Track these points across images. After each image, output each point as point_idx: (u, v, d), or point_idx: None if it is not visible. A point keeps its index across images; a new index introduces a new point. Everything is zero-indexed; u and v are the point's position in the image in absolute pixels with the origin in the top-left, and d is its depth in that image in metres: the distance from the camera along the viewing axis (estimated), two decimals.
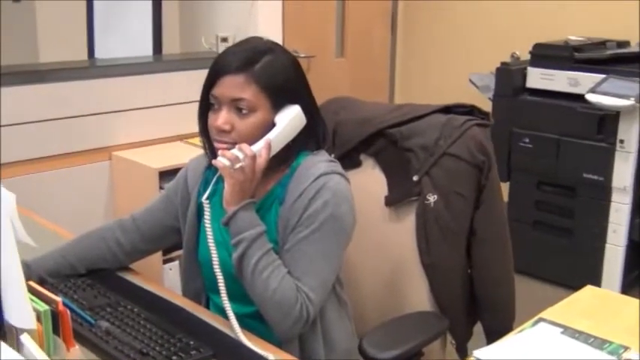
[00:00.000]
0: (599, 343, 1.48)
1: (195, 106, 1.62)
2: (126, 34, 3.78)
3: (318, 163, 1.58)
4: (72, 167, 3.08)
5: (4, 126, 2.81)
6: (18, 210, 1.75)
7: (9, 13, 3.68)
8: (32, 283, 1.26)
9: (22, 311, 1.11)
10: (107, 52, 3.60)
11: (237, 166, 1.49)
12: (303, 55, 4.09)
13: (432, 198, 1.76)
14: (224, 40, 3.52)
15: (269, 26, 3.67)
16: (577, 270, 3.48)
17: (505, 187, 3.68)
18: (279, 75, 1.55)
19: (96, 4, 3.61)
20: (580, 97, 3.40)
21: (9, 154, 2.83)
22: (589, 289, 1.80)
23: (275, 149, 1.55)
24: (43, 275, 1.66)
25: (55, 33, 3.68)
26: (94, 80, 3.13)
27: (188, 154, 1.82)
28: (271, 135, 1.54)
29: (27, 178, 2.91)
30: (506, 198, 3.67)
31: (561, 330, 1.53)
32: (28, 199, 2.39)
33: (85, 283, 1.66)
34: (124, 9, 3.78)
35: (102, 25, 3.65)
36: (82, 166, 3.12)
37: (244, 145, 1.51)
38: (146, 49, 3.74)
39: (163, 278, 2.95)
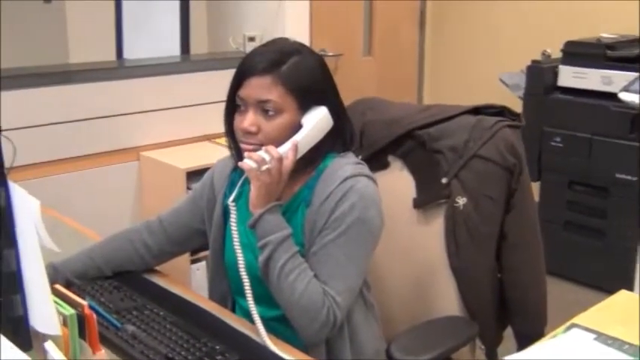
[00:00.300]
0: (634, 351, 1.44)
1: (223, 106, 1.61)
2: (154, 34, 3.79)
3: (345, 166, 1.56)
4: (100, 167, 3.09)
5: (32, 127, 2.83)
6: (46, 211, 1.76)
7: (40, 14, 3.72)
8: (59, 287, 1.26)
9: (47, 317, 1.11)
10: (135, 53, 3.61)
11: (264, 168, 1.47)
12: (330, 54, 4.07)
13: (461, 201, 1.73)
14: (251, 39, 3.52)
15: (296, 25, 3.65)
16: (609, 272, 3.42)
17: (535, 187, 3.63)
18: (305, 76, 1.53)
19: (124, 5, 3.62)
20: (612, 96, 3.33)
21: (38, 154, 2.85)
22: (623, 294, 1.76)
23: (302, 151, 1.54)
24: (70, 277, 1.66)
25: (85, 34, 3.70)
26: (122, 81, 3.13)
27: (215, 154, 1.81)
28: (298, 137, 1.52)
29: (55, 179, 2.93)
30: (536, 198, 3.58)
31: (594, 336, 1.50)
32: (55, 200, 2.41)
33: (112, 285, 1.66)
34: (152, 9, 3.79)
35: (130, 25, 3.66)
36: (110, 167, 3.13)
37: (271, 147, 1.49)
38: (174, 49, 3.75)
39: (190, 279, 2.95)
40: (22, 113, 2.78)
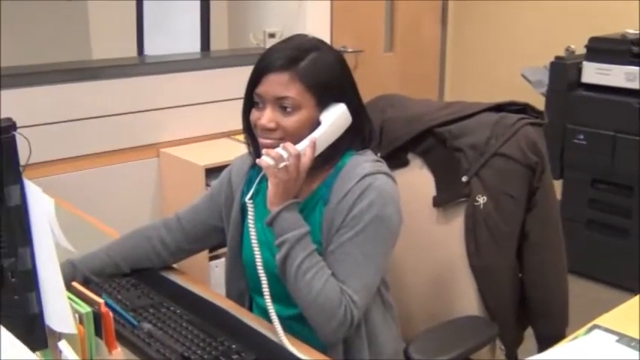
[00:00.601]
0: None
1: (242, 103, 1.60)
2: (175, 31, 3.79)
3: (364, 163, 1.55)
4: (120, 164, 3.10)
5: (53, 123, 2.84)
6: (65, 207, 1.76)
7: (63, 12, 3.74)
8: (76, 284, 1.25)
9: (62, 316, 1.10)
10: (156, 49, 3.62)
11: (282, 165, 1.46)
12: (351, 50, 4.05)
13: (481, 199, 1.71)
14: (272, 35, 3.50)
15: (317, 21, 3.64)
16: (633, 271, 3.37)
17: (558, 185, 3.59)
18: (324, 73, 1.51)
19: (145, 2, 3.63)
20: (637, 93, 3.29)
21: (58, 151, 2.86)
22: None
23: (320, 148, 1.52)
24: (88, 274, 1.66)
25: (107, 30, 3.72)
26: (143, 77, 3.14)
27: (235, 151, 1.80)
28: (316, 134, 1.51)
29: (75, 175, 2.94)
30: (558, 196, 3.56)
31: (617, 338, 1.47)
32: (76, 196, 2.42)
33: (130, 283, 1.65)
34: (172, 6, 3.79)
35: (151, 22, 3.66)
36: (130, 163, 3.13)
37: (289, 144, 1.48)
38: (194, 46, 3.75)
39: (209, 276, 2.95)
40: (43, 109, 2.80)
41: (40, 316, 1.12)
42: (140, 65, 3.37)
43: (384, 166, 1.58)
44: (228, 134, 3.37)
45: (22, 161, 1.06)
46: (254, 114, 1.54)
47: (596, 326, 1.52)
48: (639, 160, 3.36)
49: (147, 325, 1.46)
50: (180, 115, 3.25)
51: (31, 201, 1.05)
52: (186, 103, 3.26)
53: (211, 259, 2.97)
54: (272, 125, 1.50)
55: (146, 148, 3.18)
